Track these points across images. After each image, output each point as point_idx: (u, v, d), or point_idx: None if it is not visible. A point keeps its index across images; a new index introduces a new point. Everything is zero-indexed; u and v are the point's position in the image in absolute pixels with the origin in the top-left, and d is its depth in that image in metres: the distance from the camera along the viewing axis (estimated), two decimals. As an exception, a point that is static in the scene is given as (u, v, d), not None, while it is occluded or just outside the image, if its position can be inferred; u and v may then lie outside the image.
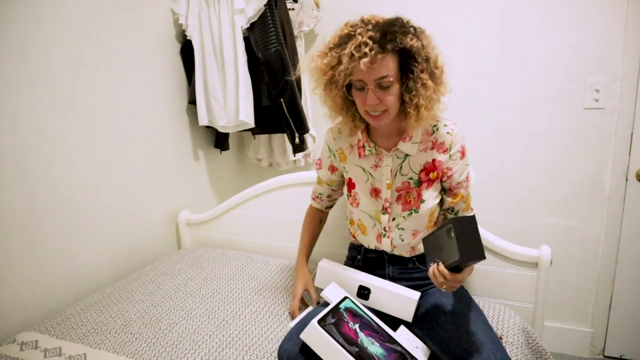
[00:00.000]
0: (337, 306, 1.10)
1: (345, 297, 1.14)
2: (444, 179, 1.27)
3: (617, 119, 1.90)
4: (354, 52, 1.06)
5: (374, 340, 1.04)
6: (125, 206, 1.85)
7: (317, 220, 1.55)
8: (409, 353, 1.08)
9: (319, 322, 1.01)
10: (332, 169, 1.43)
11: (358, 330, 1.05)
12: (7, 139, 1.42)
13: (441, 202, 1.33)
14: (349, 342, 0.99)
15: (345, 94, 1.18)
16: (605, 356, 2.12)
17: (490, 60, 2.03)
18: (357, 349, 0.98)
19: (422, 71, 1.11)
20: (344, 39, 1.10)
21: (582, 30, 1.87)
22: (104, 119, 1.74)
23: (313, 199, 1.55)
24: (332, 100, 1.21)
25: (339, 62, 1.10)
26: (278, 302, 1.52)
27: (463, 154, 1.26)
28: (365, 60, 1.05)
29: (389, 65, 1.09)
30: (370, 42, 1.06)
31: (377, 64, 1.08)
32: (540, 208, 2.08)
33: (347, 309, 1.10)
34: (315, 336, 1.00)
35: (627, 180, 1.94)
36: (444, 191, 1.32)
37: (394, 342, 1.09)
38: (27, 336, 1.35)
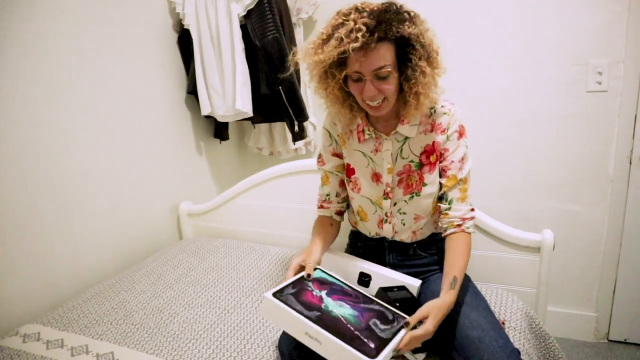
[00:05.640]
0: (301, 278, 1.10)
1: (316, 269, 1.15)
2: (441, 161, 1.25)
3: (620, 102, 1.87)
4: (344, 37, 1.03)
5: (342, 303, 1.04)
6: (126, 198, 1.85)
7: (326, 223, 1.39)
8: (390, 310, 1.07)
9: (275, 294, 1.01)
10: (336, 155, 1.38)
11: (324, 296, 1.05)
12: (5, 132, 1.41)
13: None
14: (308, 308, 0.98)
15: (342, 85, 1.15)
16: (609, 340, 2.12)
17: (491, 42, 2.00)
18: (318, 313, 0.97)
19: (419, 58, 1.08)
20: (337, 28, 1.07)
21: (584, 10, 1.84)
22: (102, 110, 1.72)
23: (320, 206, 1.42)
24: (329, 92, 1.18)
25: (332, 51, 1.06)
26: (279, 290, 1.52)
27: (461, 134, 1.24)
28: (355, 45, 1.02)
29: (386, 55, 1.07)
30: (364, 29, 1.02)
31: (374, 54, 1.05)
32: (542, 192, 2.06)
33: (315, 279, 1.11)
34: (270, 308, 0.99)
35: (630, 163, 1.92)
36: (440, 175, 1.26)
37: (372, 302, 1.08)
38: (30, 328, 1.36)
